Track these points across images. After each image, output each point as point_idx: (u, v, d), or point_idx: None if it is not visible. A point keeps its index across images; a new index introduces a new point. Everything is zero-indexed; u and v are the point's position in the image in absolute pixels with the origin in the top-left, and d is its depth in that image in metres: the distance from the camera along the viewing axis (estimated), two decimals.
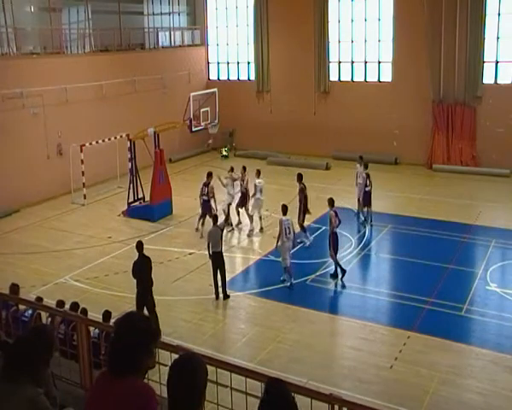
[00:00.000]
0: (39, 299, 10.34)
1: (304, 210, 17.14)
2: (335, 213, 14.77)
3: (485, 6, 24.21)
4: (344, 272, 14.67)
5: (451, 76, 25.12)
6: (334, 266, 14.92)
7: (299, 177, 17.40)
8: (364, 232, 18.16)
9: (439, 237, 17.47)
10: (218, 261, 13.77)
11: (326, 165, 25.83)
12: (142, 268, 12.10)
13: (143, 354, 3.24)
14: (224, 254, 14.11)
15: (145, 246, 17.39)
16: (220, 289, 13.85)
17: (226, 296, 13.79)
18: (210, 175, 18.01)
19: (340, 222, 14.83)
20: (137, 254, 12.26)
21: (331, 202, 14.93)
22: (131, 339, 3.21)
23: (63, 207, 21.35)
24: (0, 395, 3.55)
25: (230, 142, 29.90)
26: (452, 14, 24.55)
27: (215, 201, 17.90)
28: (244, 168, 18.90)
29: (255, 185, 18.41)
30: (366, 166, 18.51)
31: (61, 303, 10.32)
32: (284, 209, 14.62)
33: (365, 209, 18.68)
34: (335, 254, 14.73)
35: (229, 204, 18.78)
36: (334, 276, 14.80)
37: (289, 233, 14.32)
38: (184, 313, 13.36)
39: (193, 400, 2.97)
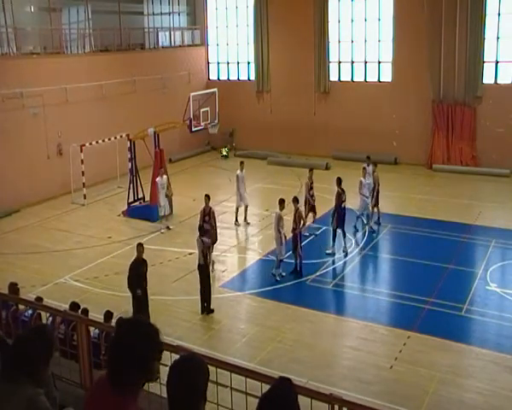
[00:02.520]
0: (39, 299, 10.34)
1: (336, 215, 16.52)
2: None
3: (485, 6, 24.21)
4: (299, 271, 15.01)
5: (451, 76, 25.12)
6: (296, 263, 15.09)
7: (339, 181, 16.74)
8: (364, 232, 18.16)
9: (439, 237, 17.46)
10: (200, 275, 13.40)
11: (326, 165, 25.82)
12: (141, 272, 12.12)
13: (144, 367, 3.09)
14: (208, 266, 13.74)
15: (145, 246, 17.43)
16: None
17: (210, 311, 13.30)
18: (207, 197, 16.07)
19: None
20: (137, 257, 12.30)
21: (295, 200, 15.46)
22: (134, 351, 3.05)
23: (63, 207, 21.35)
24: (0, 395, 3.54)
25: (230, 142, 29.91)
26: (452, 14, 24.56)
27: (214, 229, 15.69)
28: (311, 170, 18.34)
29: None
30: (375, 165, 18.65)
31: (75, 306, 10.26)
32: (281, 203, 15.08)
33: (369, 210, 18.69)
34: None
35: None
36: (296, 272, 15.02)
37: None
38: (184, 313, 13.36)
39: (192, 400, 2.96)
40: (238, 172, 19.17)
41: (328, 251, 16.34)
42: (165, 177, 19.01)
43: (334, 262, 16.00)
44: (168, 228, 18.71)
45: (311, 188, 17.79)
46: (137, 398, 3.17)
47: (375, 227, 18.17)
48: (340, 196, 16.50)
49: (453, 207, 20.19)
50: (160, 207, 18.70)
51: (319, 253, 16.28)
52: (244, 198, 19.04)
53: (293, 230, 15.10)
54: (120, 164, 22.60)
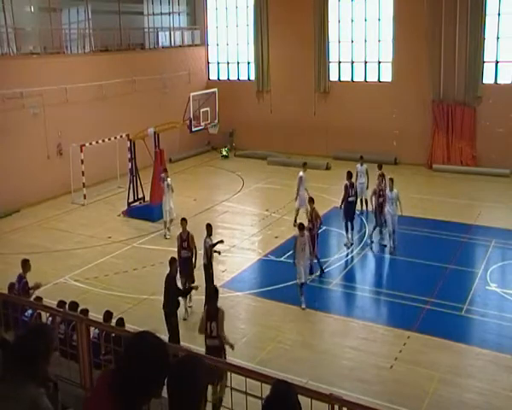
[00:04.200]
0: (39, 299, 10.35)
1: (343, 208, 17.24)
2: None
3: (485, 6, 24.22)
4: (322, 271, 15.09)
5: (451, 76, 25.13)
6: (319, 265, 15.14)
7: (349, 174, 17.26)
8: (364, 232, 18.15)
9: (439, 237, 17.47)
10: (204, 274, 13.42)
11: (326, 165, 25.83)
12: (166, 289, 11.63)
13: (151, 386, 3.01)
14: (212, 264, 13.56)
15: (145, 246, 17.50)
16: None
17: None
18: (185, 220, 13.91)
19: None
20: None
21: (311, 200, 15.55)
22: (141, 368, 2.94)
23: (63, 207, 21.35)
24: (0, 395, 3.54)
25: (230, 142, 29.92)
26: (452, 14, 24.56)
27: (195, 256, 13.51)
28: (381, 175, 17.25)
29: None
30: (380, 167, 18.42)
31: (62, 304, 10.30)
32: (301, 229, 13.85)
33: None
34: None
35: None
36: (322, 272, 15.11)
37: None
38: (184, 313, 13.34)
39: (193, 400, 2.96)
40: (301, 173, 18.41)
41: (345, 243, 16.93)
42: (169, 179, 18.12)
43: (333, 262, 16.00)
44: (167, 234, 18.00)
45: (381, 195, 16.69)
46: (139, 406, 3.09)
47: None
48: (347, 189, 16.95)
49: (453, 207, 20.19)
50: (165, 211, 18.05)
51: (318, 253, 16.25)
52: (305, 200, 18.02)
53: (310, 230, 14.86)
54: (120, 164, 22.59)
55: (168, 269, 11.85)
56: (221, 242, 13.93)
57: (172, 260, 11.91)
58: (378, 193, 16.71)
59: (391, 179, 16.62)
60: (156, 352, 2.99)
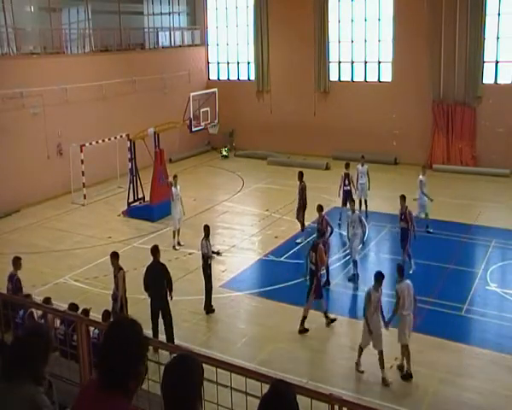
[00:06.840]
0: (27, 295, 10.34)
1: (300, 207, 17.38)
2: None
3: (485, 6, 24.22)
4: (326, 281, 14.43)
5: (451, 76, 25.13)
6: (328, 274, 14.56)
7: (300, 174, 17.51)
8: (364, 232, 18.12)
9: (439, 237, 17.46)
10: (203, 273, 13.44)
11: (326, 165, 25.83)
12: (156, 276, 11.56)
13: (133, 368, 3.01)
14: (211, 265, 13.55)
15: (145, 246, 17.42)
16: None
17: (210, 311, 13.34)
18: (115, 256, 11.86)
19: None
20: (152, 259, 11.82)
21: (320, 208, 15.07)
22: (121, 352, 2.97)
23: (63, 207, 21.35)
24: (0, 395, 3.55)
25: (230, 142, 29.91)
26: (452, 14, 24.56)
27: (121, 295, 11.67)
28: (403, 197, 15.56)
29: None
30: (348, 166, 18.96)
31: (74, 307, 10.23)
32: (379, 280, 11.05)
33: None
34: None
35: None
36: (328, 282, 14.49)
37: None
38: (184, 313, 13.34)
39: (188, 399, 2.95)
40: (420, 176, 17.50)
41: (298, 240, 17.08)
42: (178, 187, 17.64)
43: (333, 262, 15.98)
44: (179, 244, 17.37)
45: (402, 219, 15.11)
46: (129, 398, 3.08)
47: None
48: (304, 189, 17.29)
49: (453, 207, 20.18)
50: (174, 220, 17.53)
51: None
52: (424, 207, 17.18)
53: (322, 239, 14.24)
54: (120, 164, 22.59)
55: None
56: (218, 253, 13.76)
57: (155, 250, 11.83)
58: (400, 217, 15.23)
59: (353, 201, 16.15)
60: (131, 335, 3.04)
